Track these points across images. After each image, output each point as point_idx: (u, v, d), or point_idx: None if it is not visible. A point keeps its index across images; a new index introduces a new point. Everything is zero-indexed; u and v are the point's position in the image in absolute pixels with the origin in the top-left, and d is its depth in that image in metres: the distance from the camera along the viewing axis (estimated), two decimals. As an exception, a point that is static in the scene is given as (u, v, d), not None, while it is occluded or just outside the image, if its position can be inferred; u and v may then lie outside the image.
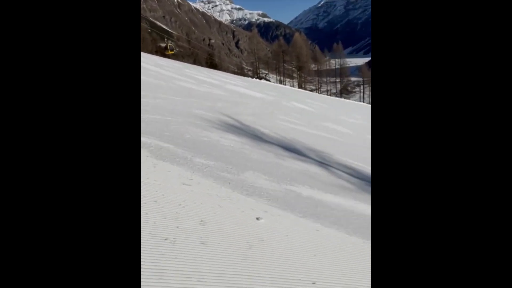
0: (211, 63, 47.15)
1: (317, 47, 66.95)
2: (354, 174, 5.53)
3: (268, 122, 8.28)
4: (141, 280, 1.39)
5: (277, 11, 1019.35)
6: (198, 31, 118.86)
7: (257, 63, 48.53)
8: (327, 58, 56.17)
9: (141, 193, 2.29)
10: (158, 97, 7.24)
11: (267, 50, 57.65)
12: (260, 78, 34.99)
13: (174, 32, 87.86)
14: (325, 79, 49.82)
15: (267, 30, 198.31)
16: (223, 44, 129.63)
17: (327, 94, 42.81)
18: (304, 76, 47.23)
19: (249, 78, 31.68)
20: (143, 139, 3.88)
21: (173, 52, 24.01)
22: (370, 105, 33.68)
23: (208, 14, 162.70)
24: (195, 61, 45.86)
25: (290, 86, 39.66)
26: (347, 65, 51.42)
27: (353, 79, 54.45)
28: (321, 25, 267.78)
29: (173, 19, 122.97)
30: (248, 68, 60.53)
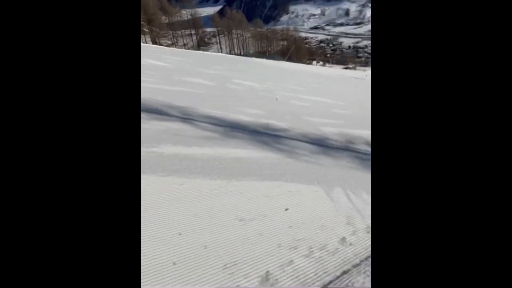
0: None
1: (163, -3, 61.57)
2: (218, 123, 5.69)
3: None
4: None
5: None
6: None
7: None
8: (177, 8, 52.96)
9: None
10: None
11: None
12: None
13: None
14: (180, 32, 47.40)
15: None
16: None
17: (185, 49, 41.25)
18: (155, 30, 43.43)
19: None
20: None
21: None
22: (229, 55, 34.67)
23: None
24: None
25: (143, 42, 35.88)
26: (199, 15, 50.09)
27: (208, 29, 53.92)
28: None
29: None
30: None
